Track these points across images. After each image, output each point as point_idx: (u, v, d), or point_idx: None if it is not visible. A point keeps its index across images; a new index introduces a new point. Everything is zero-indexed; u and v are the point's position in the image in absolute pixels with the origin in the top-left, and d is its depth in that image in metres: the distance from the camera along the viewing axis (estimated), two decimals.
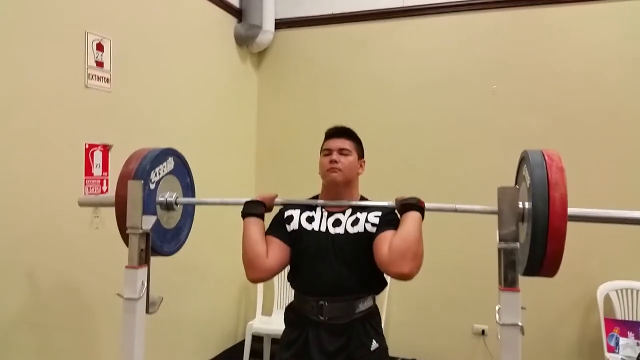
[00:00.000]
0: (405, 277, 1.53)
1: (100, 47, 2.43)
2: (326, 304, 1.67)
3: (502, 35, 3.27)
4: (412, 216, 1.60)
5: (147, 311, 1.66)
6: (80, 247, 2.32)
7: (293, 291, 1.82)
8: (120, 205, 1.68)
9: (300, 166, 3.70)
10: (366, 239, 1.68)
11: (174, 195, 1.83)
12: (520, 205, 1.43)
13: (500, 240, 1.37)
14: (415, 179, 3.39)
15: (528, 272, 1.43)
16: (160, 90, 2.86)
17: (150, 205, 1.73)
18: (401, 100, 3.48)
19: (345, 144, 1.78)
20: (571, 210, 1.37)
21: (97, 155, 2.44)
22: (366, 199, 1.84)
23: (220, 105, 3.45)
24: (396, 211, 1.69)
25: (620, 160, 3.02)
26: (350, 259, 1.69)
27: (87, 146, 2.37)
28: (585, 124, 3.08)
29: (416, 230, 1.58)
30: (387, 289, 3.19)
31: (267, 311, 3.54)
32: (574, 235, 3.19)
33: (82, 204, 2.02)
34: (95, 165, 2.43)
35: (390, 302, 3.35)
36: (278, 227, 1.77)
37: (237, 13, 3.57)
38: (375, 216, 1.72)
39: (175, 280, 2.83)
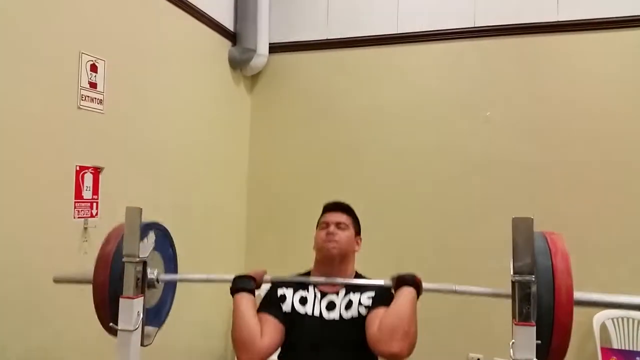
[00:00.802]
0: (394, 357, 1.46)
1: (94, 68, 2.39)
2: None
3: (496, 62, 3.31)
4: (406, 293, 1.55)
5: (142, 343, 1.59)
6: (67, 272, 2.22)
7: None
8: (99, 290, 1.60)
9: (294, 191, 3.68)
10: (361, 324, 1.61)
11: (155, 273, 1.72)
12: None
13: (515, 272, 1.33)
14: (407, 204, 3.38)
15: None
16: (153, 112, 2.81)
17: None
18: (394, 126, 3.48)
19: (343, 218, 1.77)
20: (576, 296, 1.34)
21: (88, 178, 2.37)
22: (361, 276, 1.79)
23: (213, 128, 3.41)
24: (392, 290, 1.62)
25: (620, 185, 3.03)
26: (345, 347, 1.63)
27: (77, 168, 2.30)
28: (580, 151, 3.10)
29: (409, 308, 1.51)
30: None
31: None
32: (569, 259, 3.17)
33: (57, 281, 1.87)
34: (85, 188, 2.36)
35: None
36: (272, 305, 1.71)
37: (232, 36, 3.56)
38: (369, 297, 1.67)
39: None
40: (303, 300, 1.71)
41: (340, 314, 1.67)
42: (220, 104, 3.51)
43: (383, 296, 1.65)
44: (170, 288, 1.90)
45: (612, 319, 2.92)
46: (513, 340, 1.32)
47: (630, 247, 2.97)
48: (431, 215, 3.34)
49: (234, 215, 3.69)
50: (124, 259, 1.56)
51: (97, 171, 2.40)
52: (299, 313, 1.69)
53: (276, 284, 1.78)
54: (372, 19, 3.55)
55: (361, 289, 1.70)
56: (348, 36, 3.60)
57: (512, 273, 1.34)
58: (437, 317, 3.30)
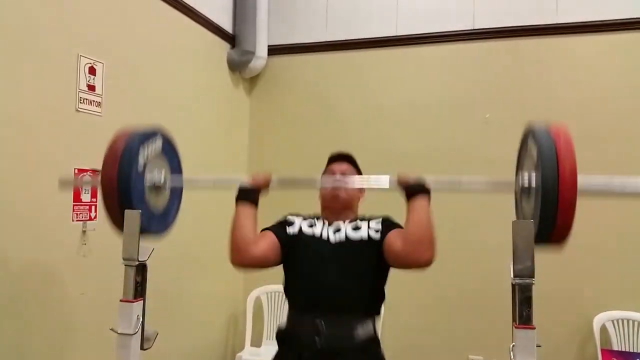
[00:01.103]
0: (426, 264, 1.53)
1: (92, 70, 2.38)
2: (323, 323, 1.57)
3: (495, 64, 3.31)
4: (421, 203, 1.60)
5: (141, 347, 1.58)
6: (66, 275, 2.23)
7: (285, 318, 1.75)
8: (107, 184, 1.58)
9: (293, 192, 3.66)
10: (369, 247, 1.66)
11: (162, 176, 1.73)
12: (527, 179, 1.42)
13: (515, 275, 1.33)
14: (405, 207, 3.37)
15: (536, 243, 1.37)
16: (152, 114, 2.80)
17: (139, 186, 1.62)
18: (393, 128, 3.48)
19: (348, 168, 1.85)
20: (581, 180, 1.31)
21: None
22: (364, 217, 1.83)
23: (212, 130, 3.40)
24: (400, 191, 1.67)
25: None
26: (350, 269, 1.65)
27: (76, 171, 2.29)
28: (579, 152, 3.09)
29: (428, 216, 1.57)
30: (381, 318, 3.19)
31: (257, 342, 3.43)
32: (570, 265, 3.21)
33: (62, 183, 1.90)
34: (84, 191, 2.35)
35: (385, 331, 3.27)
36: (277, 226, 1.77)
37: (230, 39, 3.56)
38: (377, 222, 1.72)
39: (159, 310, 2.72)
40: (311, 225, 1.76)
41: (346, 234, 1.70)
42: (219, 106, 3.51)
43: (391, 222, 1.73)
44: (176, 197, 1.88)
45: (613, 321, 2.92)
46: (513, 344, 1.32)
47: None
48: (438, 218, 3.32)
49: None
50: (123, 262, 1.55)
51: (95, 174, 2.39)
52: (305, 233, 1.73)
53: (287, 216, 1.84)
54: (371, 21, 3.56)
55: (367, 219, 1.76)
56: (347, 38, 3.60)
57: (512, 276, 1.34)
58: (438, 319, 3.30)
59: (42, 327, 2.12)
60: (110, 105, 2.47)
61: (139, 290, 1.56)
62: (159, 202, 1.76)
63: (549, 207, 1.29)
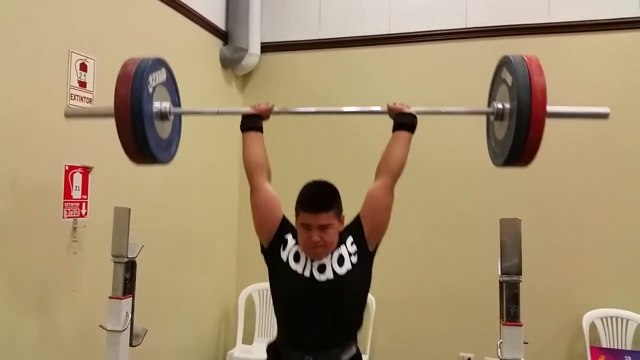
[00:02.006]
0: (399, 171, 1.80)
1: (83, 67, 2.37)
2: (312, 359, 1.62)
3: (487, 63, 3.28)
4: (404, 136, 1.82)
5: (130, 344, 1.59)
6: (57, 272, 2.22)
7: (275, 319, 1.79)
8: (121, 108, 1.62)
9: (284, 190, 3.66)
10: (353, 275, 1.65)
11: (167, 105, 1.79)
12: (500, 105, 1.62)
13: (503, 273, 1.35)
14: (401, 205, 3.38)
15: (507, 162, 1.58)
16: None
17: (149, 108, 1.69)
18: (387, 126, 3.47)
19: (326, 218, 1.62)
20: (549, 108, 1.55)
21: (77, 178, 2.35)
22: (346, 229, 1.77)
23: (204, 127, 3.39)
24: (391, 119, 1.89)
25: (613, 189, 3.05)
26: (339, 306, 1.64)
27: (67, 168, 2.28)
28: (571, 152, 3.12)
29: (405, 152, 1.81)
30: (372, 316, 3.20)
31: (248, 339, 3.44)
32: (560, 263, 3.24)
33: (68, 116, 1.94)
34: (74, 188, 2.34)
35: (375, 330, 3.29)
36: (282, 223, 1.77)
37: (223, 36, 3.55)
38: (351, 243, 1.70)
39: (150, 307, 2.72)
40: (297, 257, 1.68)
41: (334, 271, 1.64)
42: (212, 103, 3.49)
43: (355, 219, 1.76)
44: (176, 130, 1.96)
45: (602, 319, 2.94)
46: (501, 340, 1.33)
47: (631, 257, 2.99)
48: (429, 216, 3.35)
49: (226, 218, 3.68)
50: (112, 259, 1.55)
51: (86, 171, 2.38)
52: (291, 268, 1.67)
53: (285, 226, 1.76)
54: (364, 19, 3.55)
55: (341, 239, 1.70)
56: (340, 36, 3.60)
57: (499, 273, 1.35)
58: (429, 317, 3.32)
59: (32, 324, 2.11)
60: (102, 102, 2.44)
61: (128, 287, 1.57)
62: (163, 131, 1.82)
63: (522, 125, 1.47)
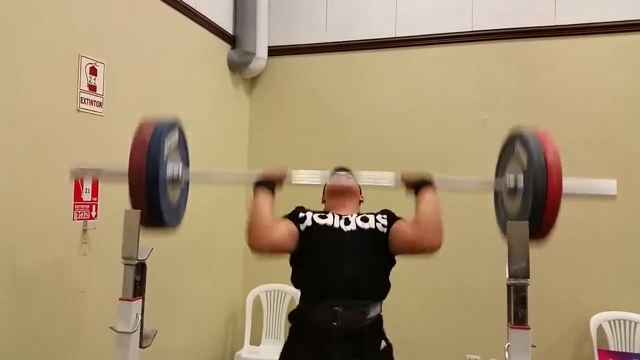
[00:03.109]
0: (436, 248, 1.66)
1: (93, 70, 2.40)
2: (341, 310, 1.65)
3: (493, 66, 3.32)
4: (430, 194, 1.74)
5: (140, 345, 1.60)
6: (66, 274, 2.24)
7: (284, 317, 1.83)
8: (136, 174, 1.58)
9: (293, 192, 3.67)
10: (377, 237, 1.76)
11: (179, 169, 1.77)
12: (513, 181, 1.59)
13: (510, 276, 1.35)
14: (404, 206, 3.39)
15: None
16: (152, 114, 2.81)
17: (164, 175, 1.65)
18: (392, 129, 3.49)
19: (349, 174, 1.98)
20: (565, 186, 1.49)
21: (87, 181, 2.37)
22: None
23: (212, 130, 3.42)
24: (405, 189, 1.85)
25: (619, 191, 3.04)
26: (365, 257, 1.74)
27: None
28: (575, 154, 3.11)
29: (438, 205, 1.71)
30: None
31: (256, 340, 3.45)
32: (567, 265, 3.23)
33: (75, 175, 1.92)
34: (85, 190, 2.36)
35: None
36: (292, 216, 1.82)
37: (231, 40, 3.58)
38: (383, 217, 1.81)
39: (159, 309, 2.74)
40: (322, 216, 1.83)
41: (357, 224, 1.79)
42: (220, 106, 3.52)
43: (397, 217, 1.83)
44: (184, 192, 1.94)
45: (609, 321, 2.93)
46: (508, 344, 1.34)
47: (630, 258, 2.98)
48: None
49: (233, 219, 3.69)
50: (122, 261, 1.57)
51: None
52: (318, 224, 1.79)
53: (298, 208, 1.89)
54: (370, 22, 3.57)
55: (373, 213, 1.86)
56: (346, 40, 3.62)
57: (507, 276, 1.36)
58: (436, 318, 3.32)
59: (42, 325, 2.13)
60: (112, 105, 2.48)
61: (138, 289, 1.58)
62: (174, 195, 1.80)
63: (538, 208, 1.42)
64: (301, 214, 1.85)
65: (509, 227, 1.37)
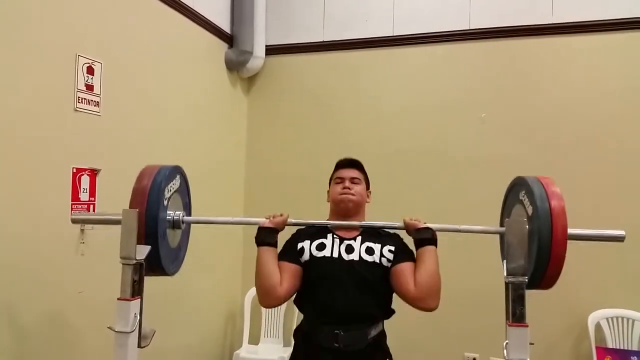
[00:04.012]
0: (432, 310, 1.72)
1: (90, 70, 2.39)
2: (342, 333, 1.70)
3: (491, 64, 3.32)
4: (431, 251, 1.72)
5: (139, 345, 1.59)
6: (64, 274, 2.24)
7: (282, 317, 1.85)
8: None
9: (290, 191, 3.69)
10: (382, 271, 1.76)
11: (181, 214, 1.79)
12: None
13: (509, 274, 1.35)
14: (403, 204, 3.39)
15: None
16: (150, 114, 2.82)
17: (163, 223, 1.68)
18: (391, 128, 3.49)
19: (356, 173, 1.93)
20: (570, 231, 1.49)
21: (85, 180, 2.37)
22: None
23: (210, 130, 3.41)
24: (409, 236, 1.80)
25: (610, 189, 3.05)
26: (366, 285, 1.74)
27: (74, 170, 2.30)
28: (573, 152, 3.12)
29: (437, 266, 1.71)
30: None
31: (254, 340, 3.45)
32: (565, 263, 3.21)
33: (75, 221, 1.93)
34: (82, 190, 2.36)
35: None
36: (290, 253, 1.82)
37: (228, 39, 3.57)
38: (390, 251, 1.79)
39: (157, 308, 2.74)
40: (321, 247, 1.81)
41: (360, 255, 1.77)
42: (217, 105, 3.52)
43: (404, 251, 1.81)
44: (186, 235, 1.95)
45: (607, 319, 2.94)
46: (507, 341, 1.34)
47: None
48: (427, 215, 3.34)
49: (231, 213, 3.68)
50: (120, 261, 1.56)
51: (93, 173, 2.40)
52: (316, 257, 1.79)
53: (296, 237, 1.88)
54: (368, 21, 3.56)
55: (379, 239, 1.82)
56: (344, 38, 3.61)
57: (505, 274, 1.36)
58: (434, 316, 3.29)
59: (40, 325, 2.13)
60: (109, 105, 2.48)
61: (137, 289, 1.57)
62: (174, 239, 1.82)
63: (542, 262, 1.44)
64: (299, 245, 1.84)
65: (506, 225, 1.37)
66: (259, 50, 3.62)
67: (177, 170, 1.82)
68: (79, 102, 2.32)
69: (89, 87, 2.38)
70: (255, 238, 1.78)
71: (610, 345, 2.89)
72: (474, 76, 3.35)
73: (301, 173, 3.66)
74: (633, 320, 2.91)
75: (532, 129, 3.20)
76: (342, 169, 1.95)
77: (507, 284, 1.37)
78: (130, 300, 1.55)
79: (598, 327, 2.94)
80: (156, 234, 1.62)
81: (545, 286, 1.54)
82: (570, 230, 1.46)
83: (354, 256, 1.77)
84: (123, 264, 1.56)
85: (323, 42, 3.66)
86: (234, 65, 3.58)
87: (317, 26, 3.67)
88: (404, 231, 1.82)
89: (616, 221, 2.99)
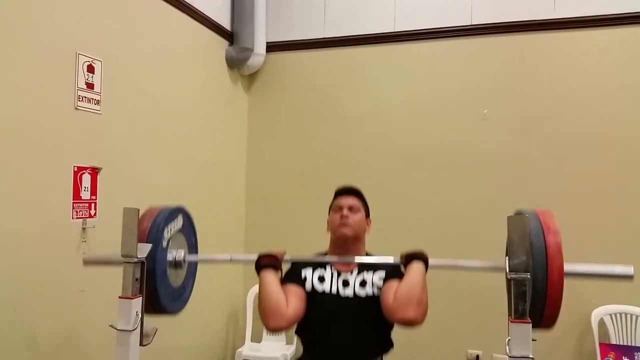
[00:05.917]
0: (410, 322, 1.58)
1: (91, 68, 2.39)
2: None
3: (493, 60, 3.31)
4: (416, 266, 1.67)
5: (140, 343, 1.60)
6: (66, 272, 2.24)
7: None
8: None
9: (292, 189, 3.69)
10: (375, 302, 1.73)
11: (182, 254, 1.81)
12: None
13: (511, 270, 1.34)
14: (406, 201, 3.39)
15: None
16: (150, 112, 2.81)
17: (163, 263, 1.71)
18: (392, 124, 3.48)
19: (355, 201, 1.87)
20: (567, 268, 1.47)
21: (86, 179, 2.37)
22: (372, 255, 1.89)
23: (211, 127, 3.41)
24: (401, 266, 1.74)
25: (611, 184, 3.04)
26: (361, 322, 1.74)
27: (75, 169, 2.30)
28: (575, 148, 3.11)
29: (420, 278, 1.63)
30: None
31: (257, 337, 3.45)
32: (568, 259, 3.20)
33: (87, 263, 1.94)
34: (83, 189, 2.36)
35: None
36: (295, 278, 1.81)
37: (229, 36, 3.56)
38: (380, 278, 1.78)
39: None
40: (321, 279, 1.81)
41: (354, 291, 1.77)
42: (218, 103, 3.51)
43: (395, 272, 1.76)
44: (191, 274, 1.97)
45: (610, 315, 2.93)
46: (509, 338, 1.33)
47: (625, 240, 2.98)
48: (429, 212, 3.35)
49: (232, 213, 3.69)
50: (122, 259, 1.56)
51: (95, 172, 2.40)
52: (317, 291, 1.78)
53: (298, 265, 1.87)
54: (369, 17, 3.55)
55: (373, 268, 1.81)
56: (345, 35, 3.60)
57: (507, 270, 1.35)
58: (436, 313, 3.27)
59: (42, 324, 2.13)
60: (109, 103, 2.48)
61: (138, 287, 1.57)
62: (177, 278, 1.84)
63: (538, 305, 1.42)
64: (303, 273, 1.83)
65: (508, 221, 1.36)
66: (260, 47, 3.61)
67: (178, 211, 1.85)
68: (79, 101, 2.32)
69: (90, 86, 2.38)
70: (256, 264, 1.75)
71: (613, 341, 2.89)
72: (476, 72, 3.34)
73: (303, 169, 3.66)
74: (637, 317, 2.90)
75: (534, 125, 3.19)
76: (341, 197, 1.89)
77: (509, 280, 1.36)
78: (132, 299, 1.55)
79: (602, 323, 2.93)
80: (154, 275, 1.64)
81: (545, 326, 1.51)
82: (568, 268, 1.44)
83: (349, 292, 1.77)
84: (124, 262, 1.56)
85: (324, 38, 3.65)
86: (235, 63, 3.58)
87: (318, 23, 3.66)
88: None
89: (621, 218, 3.00)
